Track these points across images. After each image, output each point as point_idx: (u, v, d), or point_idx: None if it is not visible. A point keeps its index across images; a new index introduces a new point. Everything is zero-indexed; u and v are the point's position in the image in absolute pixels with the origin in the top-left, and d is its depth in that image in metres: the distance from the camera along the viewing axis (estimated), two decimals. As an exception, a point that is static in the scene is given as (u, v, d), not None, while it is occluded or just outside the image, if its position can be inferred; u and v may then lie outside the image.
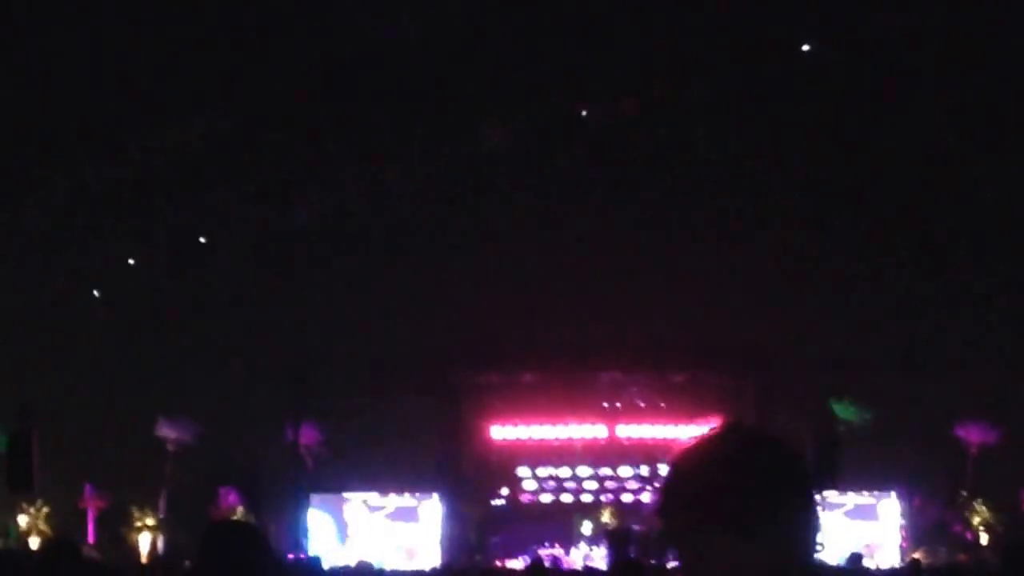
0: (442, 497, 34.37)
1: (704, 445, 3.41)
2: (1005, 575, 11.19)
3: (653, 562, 29.10)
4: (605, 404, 36.33)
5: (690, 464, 3.39)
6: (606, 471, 35.91)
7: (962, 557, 32.37)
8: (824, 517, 33.51)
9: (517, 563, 31.91)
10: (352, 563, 21.15)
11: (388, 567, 32.34)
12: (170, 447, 35.69)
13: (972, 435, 36.84)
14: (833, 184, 35.96)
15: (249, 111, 32.37)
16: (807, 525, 3.36)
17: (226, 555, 5.19)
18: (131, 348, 36.03)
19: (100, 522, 35.50)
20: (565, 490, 35.97)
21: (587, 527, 34.85)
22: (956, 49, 32.45)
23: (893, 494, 35.43)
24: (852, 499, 35.11)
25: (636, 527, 32.07)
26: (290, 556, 31.95)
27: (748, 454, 3.36)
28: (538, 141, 32.81)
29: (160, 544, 35.40)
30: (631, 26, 31.90)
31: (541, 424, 36.04)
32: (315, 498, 34.52)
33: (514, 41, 31.94)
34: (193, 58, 32.97)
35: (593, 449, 36.11)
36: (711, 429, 3.45)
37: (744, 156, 35.07)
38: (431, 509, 34.50)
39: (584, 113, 31.44)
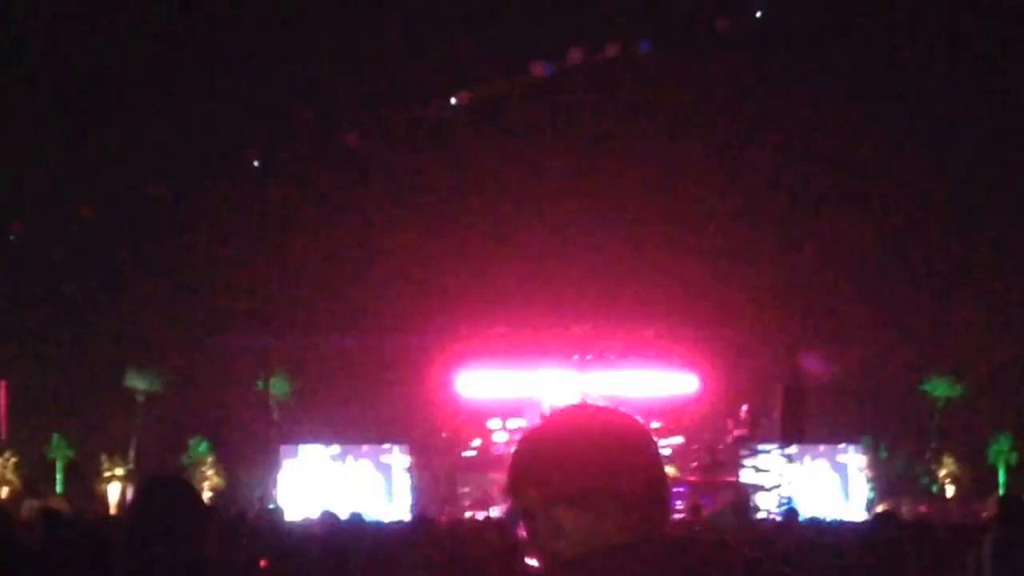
0: (412, 448, 34.48)
1: (550, 424, 3.52)
2: (999, 528, 11.33)
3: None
4: (576, 357, 36.37)
5: (537, 443, 3.50)
6: (576, 423, 36.03)
7: (923, 509, 32.67)
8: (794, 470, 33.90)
9: (487, 514, 32.07)
10: (316, 514, 21.16)
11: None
12: (139, 398, 35.67)
13: (938, 389, 37.19)
14: (802, 142, 36.13)
15: (216, 68, 32.24)
16: (658, 494, 3.46)
17: (159, 512, 5.26)
18: (100, 299, 35.95)
19: (69, 472, 35.50)
20: (536, 442, 36.08)
21: (557, 479, 35.02)
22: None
23: (860, 446, 35.72)
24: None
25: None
26: (259, 505, 32.14)
27: (592, 430, 3.46)
28: (504, 92, 32.75)
29: (129, 494, 35.37)
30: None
31: (512, 377, 36.08)
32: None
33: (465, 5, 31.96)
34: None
35: (564, 401, 36.20)
36: (556, 409, 3.57)
37: (712, 113, 35.15)
38: (401, 460, 34.67)
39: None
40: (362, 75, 33.65)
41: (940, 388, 37.15)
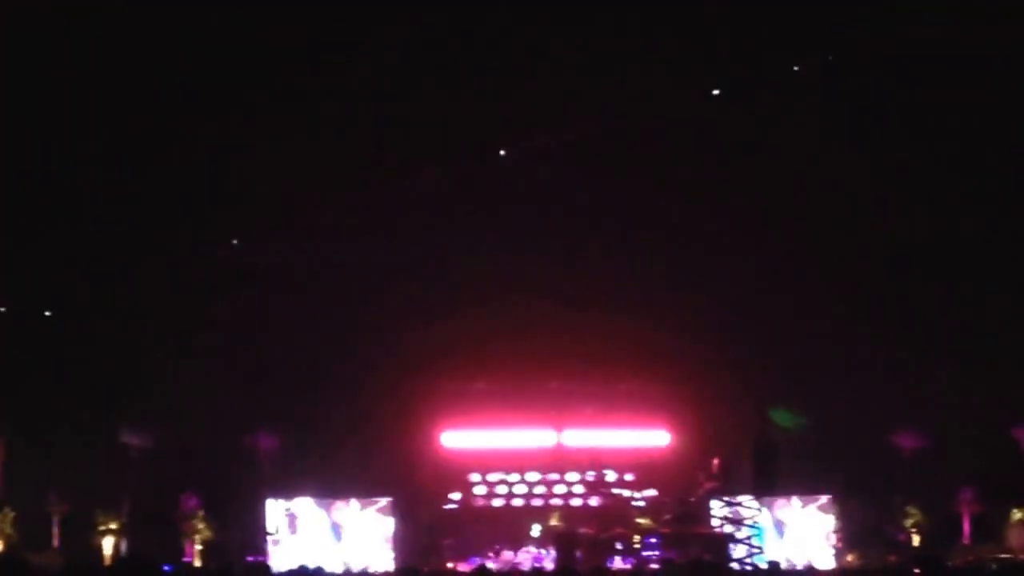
0: (395, 501, 35.60)
1: None
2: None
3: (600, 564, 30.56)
4: (553, 412, 37.74)
5: None
6: (554, 476, 37.30)
7: (891, 558, 33.83)
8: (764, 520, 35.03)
9: (468, 567, 33.25)
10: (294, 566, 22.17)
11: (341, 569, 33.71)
12: (132, 454, 36.70)
13: (906, 441, 38.32)
14: (766, 200, 37.28)
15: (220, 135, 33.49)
16: None
17: None
18: (93, 357, 36.91)
19: (65, 527, 36.43)
20: (515, 495, 37.31)
21: (536, 530, 36.17)
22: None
23: (829, 497, 36.82)
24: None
25: (583, 530, 33.41)
26: (248, 559, 33.27)
27: None
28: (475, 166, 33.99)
29: (123, 548, 36.39)
30: (546, 64, 33.25)
31: (492, 431, 37.42)
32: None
33: (436, 83, 33.33)
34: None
35: (542, 455, 37.50)
36: None
37: (678, 177, 36.36)
38: (385, 513, 35.73)
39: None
40: (340, 141, 34.98)
41: (906, 441, 38.30)
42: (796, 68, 29.69)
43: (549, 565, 31.91)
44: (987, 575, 23.38)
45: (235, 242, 34.52)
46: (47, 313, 36.84)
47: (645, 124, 32.01)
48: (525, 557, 34.07)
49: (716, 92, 29.80)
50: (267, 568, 23.95)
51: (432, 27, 32.47)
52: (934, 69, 34.10)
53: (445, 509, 36.88)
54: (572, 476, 37.34)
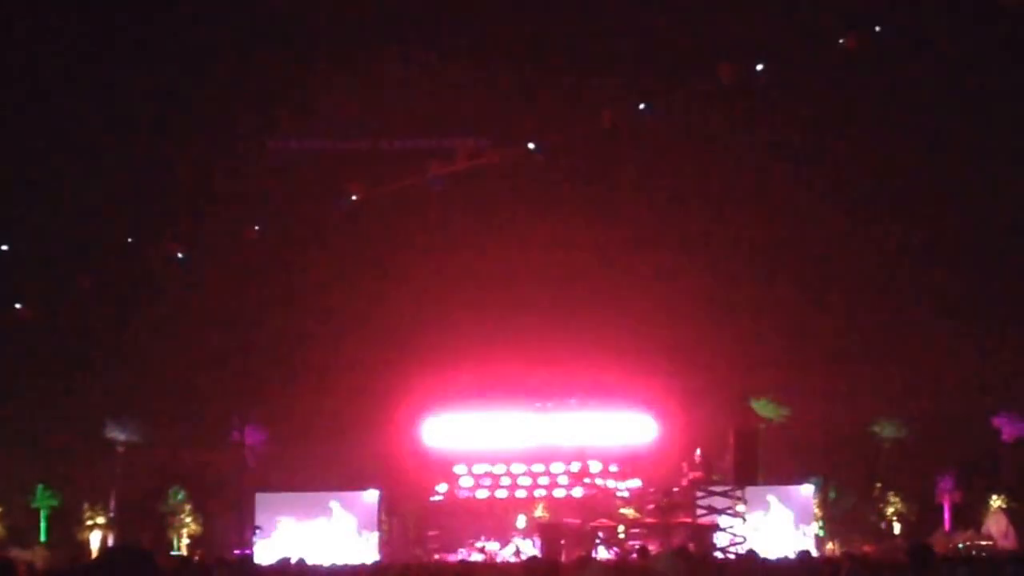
0: (381, 494, 35.79)
1: None
2: (912, 571, 12.85)
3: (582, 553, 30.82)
4: (538, 403, 37.97)
5: None
6: (539, 468, 37.54)
7: (867, 548, 34.14)
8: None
9: (455, 557, 33.47)
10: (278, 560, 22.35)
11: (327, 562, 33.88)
12: (120, 448, 36.87)
13: (886, 430, 38.74)
14: (749, 192, 37.65)
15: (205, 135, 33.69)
16: None
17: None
18: (80, 353, 37.08)
19: (52, 521, 36.61)
20: (500, 486, 37.54)
21: (521, 521, 36.41)
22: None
23: (810, 487, 37.15)
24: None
25: (567, 521, 33.66)
26: (236, 552, 33.45)
27: None
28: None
29: (111, 542, 36.58)
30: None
31: (477, 424, 37.64)
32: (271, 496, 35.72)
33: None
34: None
35: (527, 447, 37.74)
36: None
37: (662, 167, 36.71)
38: (371, 505, 35.94)
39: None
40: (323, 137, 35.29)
41: (887, 430, 38.72)
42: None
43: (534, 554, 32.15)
44: (971, 563, 23.70)
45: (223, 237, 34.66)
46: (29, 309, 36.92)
47: (619, 129, 32.27)
48: (510, 548, 34.35)
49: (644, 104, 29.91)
50: (252, 562, 24.18)
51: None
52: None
53: (431, 501, 37.09)
54: (557, 467, 37.60)
